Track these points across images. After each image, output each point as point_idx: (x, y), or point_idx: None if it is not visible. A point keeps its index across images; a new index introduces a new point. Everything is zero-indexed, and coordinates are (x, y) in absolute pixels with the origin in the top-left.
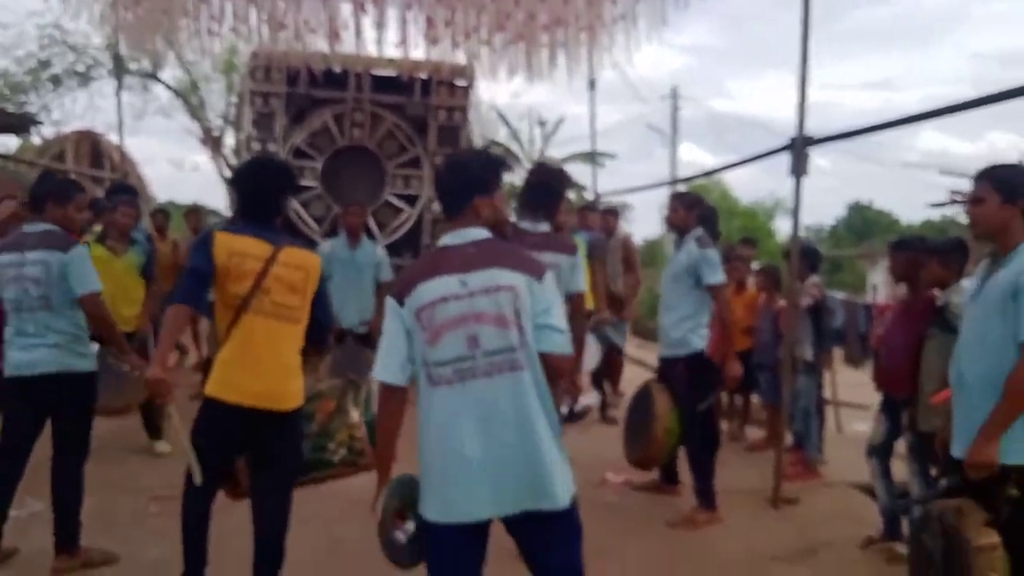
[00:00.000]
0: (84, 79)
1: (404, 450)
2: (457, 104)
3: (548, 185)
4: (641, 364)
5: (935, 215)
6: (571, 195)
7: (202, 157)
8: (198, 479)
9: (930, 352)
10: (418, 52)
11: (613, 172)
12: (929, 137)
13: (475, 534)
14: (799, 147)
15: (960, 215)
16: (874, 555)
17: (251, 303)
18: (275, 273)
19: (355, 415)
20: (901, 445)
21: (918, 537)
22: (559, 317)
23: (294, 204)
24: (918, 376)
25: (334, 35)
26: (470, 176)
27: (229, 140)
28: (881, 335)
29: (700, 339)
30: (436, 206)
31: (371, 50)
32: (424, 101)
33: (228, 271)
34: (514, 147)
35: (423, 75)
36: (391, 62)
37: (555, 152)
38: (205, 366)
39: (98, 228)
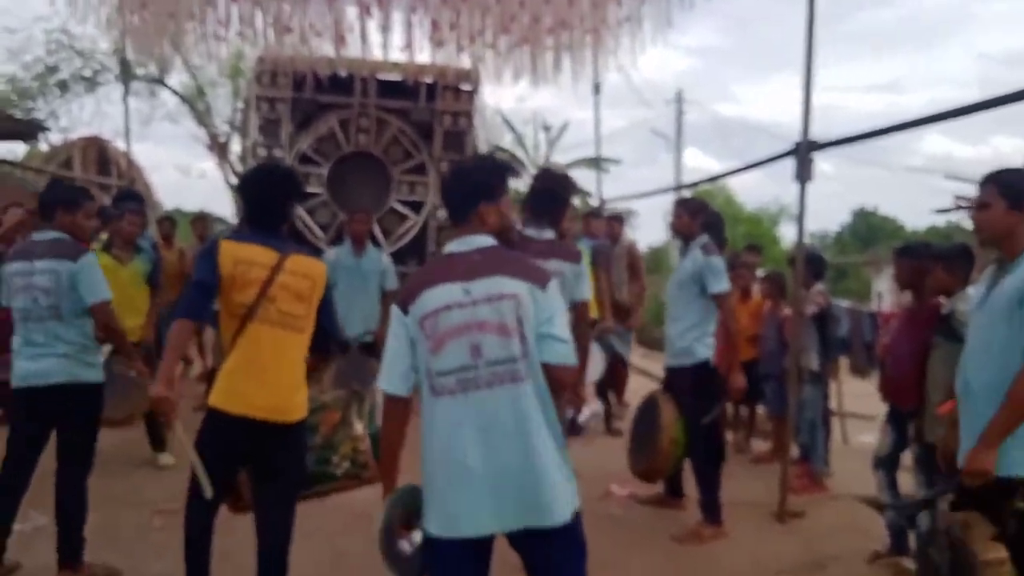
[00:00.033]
0: (91, 84)
1: (408, 461)
2: (462, 109)
3: (553, 192)
4: (646, 374)
5: (940, 220)
6: (575, 201)
7: (209, 163)
8: (208, 492)
9: (936, 362)
10: (423, 56)
11: (617, 178)
12: (933, 141)
13: (477, 549)
14: (803, 152)
15: (965, 221)
16: (881, 569)
17: (257, 312)
18: (281, 281)
19: (359, 427)
20: (908, 457)
21: (925, 551)
22: (562, 327)
23: (300, 211)
24: (924, 386)
25: (339, 39)
26: (475, 183)
27: (235, 146)
28: (887, 344)
29: (706, 348)
30: (441, 213)
31: (376, 54)
32: (429, 106)
33: (233, 280)
34: (519, 152)
35: (428, 79)
36: (396, 66)
37: (559, 157)
38: (209, 377)
39: (104, 236)
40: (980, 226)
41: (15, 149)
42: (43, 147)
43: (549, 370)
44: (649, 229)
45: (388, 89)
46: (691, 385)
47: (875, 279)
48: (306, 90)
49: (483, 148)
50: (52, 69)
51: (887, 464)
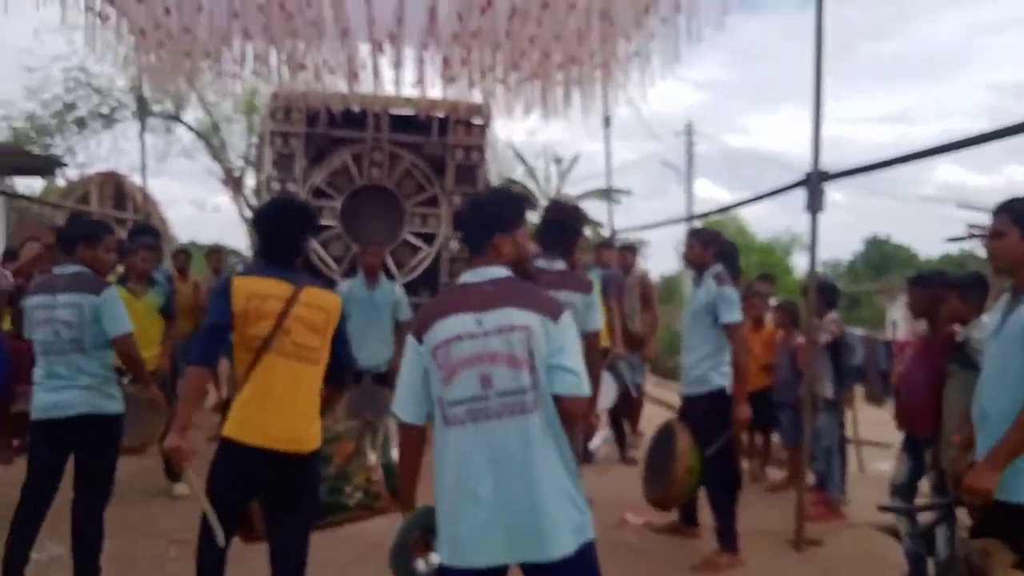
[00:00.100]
0: (108, 121)
1: (424, 493)
2: (474, 143)
3: (564, 223)
4: (660, 403)
5: (953, 249)
6: (587, 232)
7: (223, 198)
8: (220, 540)
9: (951, 390)
10: (435, 91)
11: (629, 209)
12: (946, 170)
13: None
14: (814, 182)
15: (979, 249)
16: None
17: (272, 344)
18: (296, 314)
19: (372, 458)
20: (925, 484)
21: None
22: (574, 358)
23: (314, 244)
24: (940, 414)
25: (353, 75)
26: (489, 215)
27: (250, 181)
28: (902, 372)
29: (721, 376)
30: (454, 244)
31: (389, 90)
32: (441, 140)
33: (247, 315)
34: (530, 185)
35: (440, 114)
36: (408, 101)
37: (571, 189)
38: (224, 407)
39: (120, 269)
40: (994, 255)
41: (33, 185)
42: (60, 182)
43: (560, 401)
44: (661, 259)
45: (401, 124)
46: (706, 413)
47: (889, 307)
48: (320, 125)
49: (495, 181)
50: (70, 106)
51: (904, 491)
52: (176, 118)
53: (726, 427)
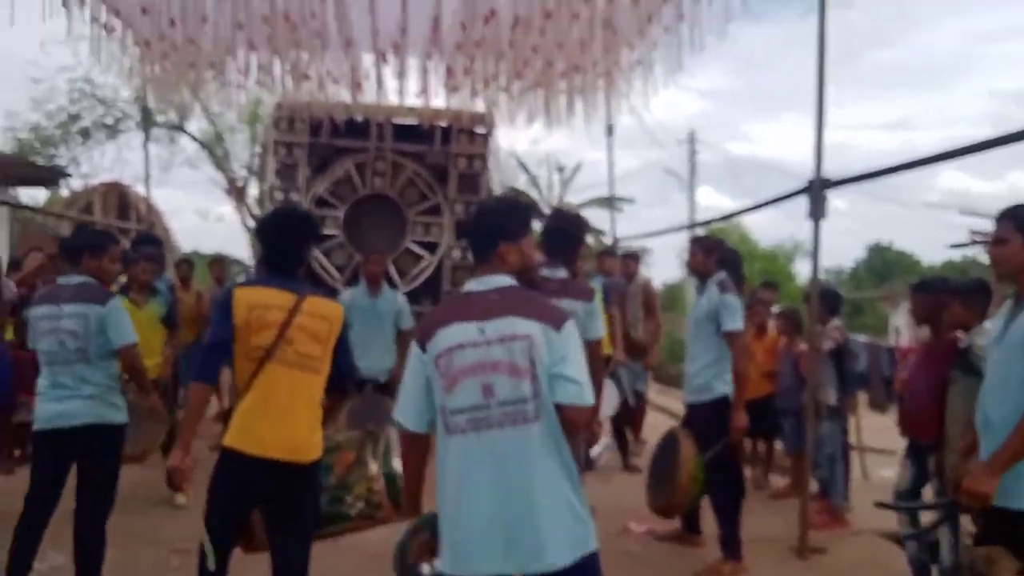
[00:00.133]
0: (112, 131)
1: (427, 501)
2: (477, 152)
3: (566, 231)
4: (663, 411)
5: (956, 256)
6: (589, 240)
7: (227, 207)
8: (212, 565)
9: (954, 396)
10: (438, 100)
11: (631, 217)
12: (949, 177)
13: None
14: (817, 190)
15: (981, 255)
16: None
17: (275, 353)
18: (299, 323)
19: (374, 468)
20: (929, 491)
21: None
22: (576, 367)
23: (316, 253)
24: (943, 420)
25: (356, 85)
26: (494, 223)
27: (253, 190)
28: (905, 379)
29: (724, 384)
30: (456, 253)
31: (392, 99)
32: (444, 149)
33: (249, 325)
34: (533, 193)
35: (443, 123)
36: (411, 111)
37: (573, 198)
38: (225, 416)
39: (123, 278)
40: (997, 261)
41: (37, 195)
42: (64, 193)
43: (562, 411)
44: (664, 267)
45: (403, 133)
46: (710, 421)
47: (891, 314)
48: (323, 135)
49: (497, 190)
50: (74, 117)
51: (908, 498)
52: (180, 128)
53: (728, 435)
